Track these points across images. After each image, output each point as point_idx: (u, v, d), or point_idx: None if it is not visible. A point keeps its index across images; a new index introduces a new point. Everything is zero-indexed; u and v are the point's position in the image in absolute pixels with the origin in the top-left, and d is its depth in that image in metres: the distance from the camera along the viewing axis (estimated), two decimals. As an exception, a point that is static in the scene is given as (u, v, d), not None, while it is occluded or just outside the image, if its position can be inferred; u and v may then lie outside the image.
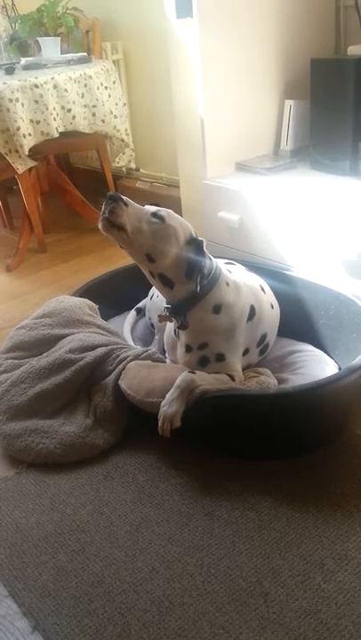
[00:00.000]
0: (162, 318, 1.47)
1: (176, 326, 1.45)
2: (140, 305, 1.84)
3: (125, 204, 1.33)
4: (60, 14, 2.93)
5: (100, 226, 1.34)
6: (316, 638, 0.97)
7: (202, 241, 1.40)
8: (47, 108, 2.42)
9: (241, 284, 1.48)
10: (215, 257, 1.47)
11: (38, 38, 2.91)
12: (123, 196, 1.34)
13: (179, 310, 1.42)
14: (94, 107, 2.59)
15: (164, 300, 1.46)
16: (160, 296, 1.60)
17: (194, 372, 1.36)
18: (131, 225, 1.33)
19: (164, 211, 1.39)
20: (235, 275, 1.51)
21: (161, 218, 1.36)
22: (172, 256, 1.37)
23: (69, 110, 2.50)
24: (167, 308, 1.44)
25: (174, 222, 1.38)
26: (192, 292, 1.38)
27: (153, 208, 1.39)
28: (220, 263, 1.49)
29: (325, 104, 1.87)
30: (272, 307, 1.57)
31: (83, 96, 2.55)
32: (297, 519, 1.20)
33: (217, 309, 1.41)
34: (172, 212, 1.41)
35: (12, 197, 3.06)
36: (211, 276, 1.41)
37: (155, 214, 1.37)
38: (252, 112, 2.01)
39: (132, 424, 1.47)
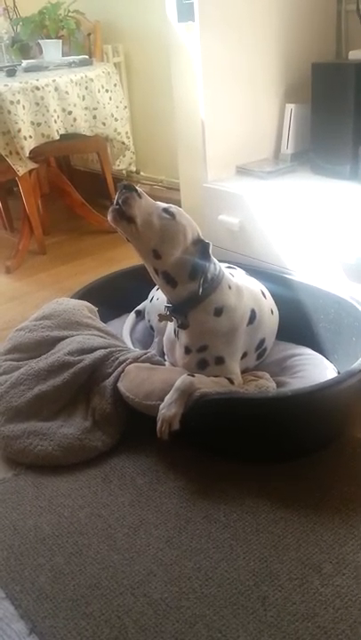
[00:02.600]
0: (162, 317, 1.47)
1: (176, 325, 1.45)
2: (139, 307, 1.84)
3: (139, 196, 1.33)
4: (61, 17, 2.94)
5: (109, 217, 1.33)
6: (314, 642, 0.97)
7: (208, 243, 1.40)
8: (48, 111, 2.42)
9: (243, 287, 1.48)
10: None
11: (40, 41, 2.91)
12: (137, 187, 1.34)
13: (180, 310, 1.42)
14: (95, 109, 2.60)
15: (165, 301, 1.46)
16: (160, 299, 1.60)
17: (193, 375, 1.36)
18: (141, 217, 1.32)
19: (175, 208, 1.38)
20: (237, 279, 1.51)
21: (172, 214, 1.36)
22: (178, 254, 1.37)
23: (70, 113, 2.51)
24: (168, 307, 1.44)
25: (184, 220, 1.38)
26: (194, 292, 1.38)
27: (164, 204, 1.39)
28: (222, 267, 1.49)
29: (326, 108, 1.87)
30: (272, 312, 1.57)
31: (84, 98, 2.56)
32: (295, 523, 1.20)
33: (218, 312, 1.41)
34: (183, 211, 1.40)
35: (12, 199, 3.06)
36: (214, 278, 1.41)
37: (166, 210, 1.36)
38: (252, 116, 2.02)
39: (131, 426, 1.47)
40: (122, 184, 1.32)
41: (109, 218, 1.33)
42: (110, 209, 1.32)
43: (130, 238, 1.36)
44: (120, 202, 1.31)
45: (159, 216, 1.35)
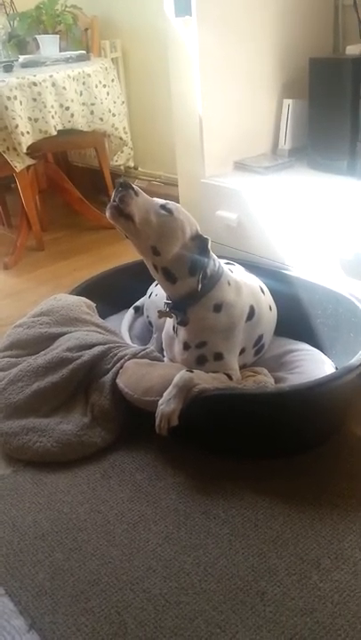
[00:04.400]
0: (161, 314, 1.47)
1: (176, 322, 1.45)
2: (138, 303, 1.84)
3: (136, 194, 1.33)
4: (58, 12, 2.93)
5: (107, 214, 1.33)
6: (312, 637, 0.97)
7: (207, 239, 1.40)
8: (45, 106, 2.41)
9: (242, 284, 1.48)
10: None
11: (37, 36, 2.90)
12: (133, 185, 1.34)
13: (179, 306, 1.42)
14: (93, 105, 2.59)
15: (164, 297, 1.46)
16: (159, 295, 1.60)
17: (192, 371, 1.36)
18: (139, 215, 1.32)
19: (172, 204, 1.39)
20: (236, 275, 1.51)
21: (169, 210, 1.36)
22: (176, 250, 1.37)
23: (68, 108, 2.50)
24: (167, 303, 1.44)
25: (182, 216, 1.38)
26: (194, 288, 1.38)
27: (161, 200, 1.39)
28: (221, 263, 1.49)
29: (324, 103, 1.87)
30: (270, 308, 1.57)
31: (81, 94, 2.55)
32: (293, 518, 1.20)
33: (217, 308, 1.41)
34: (181, 207, 1.40)
35: (10, 195, 3.05)
36: (213, 274, 1.40)
37: (163, 207, 1.36)
38: (250, 111, 2.01)
39: (130, 423, 1.47)
40: (118, 182, 1.32)
41: (108, 215, 1.33)
42: (108, 206, 1.32)
43: (128, 235, 1.36)
44: (117, 200, 1.31)
45: (157, 213, 1.35)
